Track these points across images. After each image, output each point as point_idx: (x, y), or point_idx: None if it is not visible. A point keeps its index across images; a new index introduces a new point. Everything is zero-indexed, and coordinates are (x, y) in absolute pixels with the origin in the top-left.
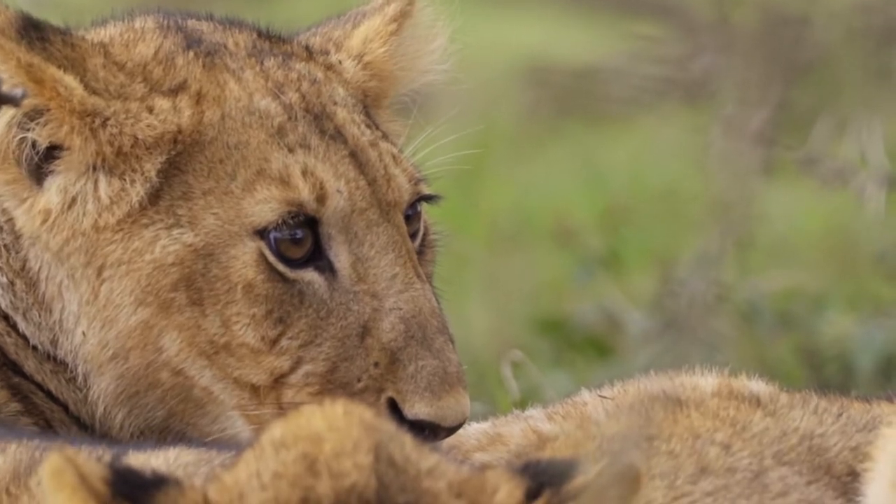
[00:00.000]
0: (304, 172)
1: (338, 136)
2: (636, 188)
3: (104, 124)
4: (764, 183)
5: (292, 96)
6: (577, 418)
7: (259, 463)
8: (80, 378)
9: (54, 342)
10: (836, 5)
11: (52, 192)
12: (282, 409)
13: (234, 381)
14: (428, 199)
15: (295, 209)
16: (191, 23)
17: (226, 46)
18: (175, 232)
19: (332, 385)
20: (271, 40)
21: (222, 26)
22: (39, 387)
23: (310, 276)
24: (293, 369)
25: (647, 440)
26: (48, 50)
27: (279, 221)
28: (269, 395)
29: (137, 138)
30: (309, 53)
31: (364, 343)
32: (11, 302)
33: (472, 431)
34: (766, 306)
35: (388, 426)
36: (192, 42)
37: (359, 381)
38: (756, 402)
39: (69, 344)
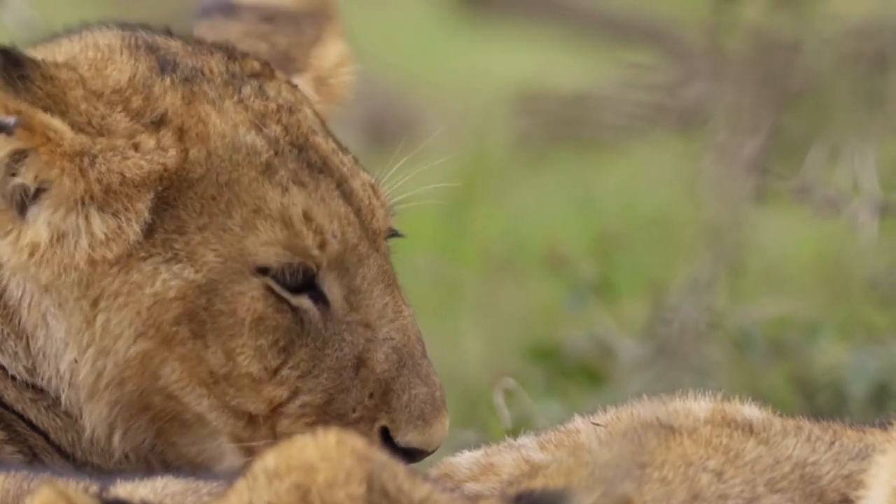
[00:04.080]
0: (306, 217)
1: (325, 168)
2: (628, 215)
3: (92, 163)
4: (756, 210)
5: (275, 129)
6: (570, 446)
7: (252, 493)
8: (64, 404)
9: (32, 371)
10: (828, 32)
11: (40, 225)
12: (275, 439)
13: (231, 409)
14: (395, 234)
15: (300, 258)
16: (160, 41)
17: (202, 72)
18: (175, 267)
19: (327, 416)
20: (234, 58)
21: (193, 47)
22: (20, 416)
23: (306, 303)
24: (290, 399)
25: (640, 467)
26: (31, 90)
27: (284, 264)
28: (265, 423)
29: (125, 176)
30: (272, 71)
31: (359, 374)
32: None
33: (464, 461)
34: (759, 333)
35: (381, 456)
36: (165, 66)
37: (354, 411)
38: (749, 429)
39: (52, 372)
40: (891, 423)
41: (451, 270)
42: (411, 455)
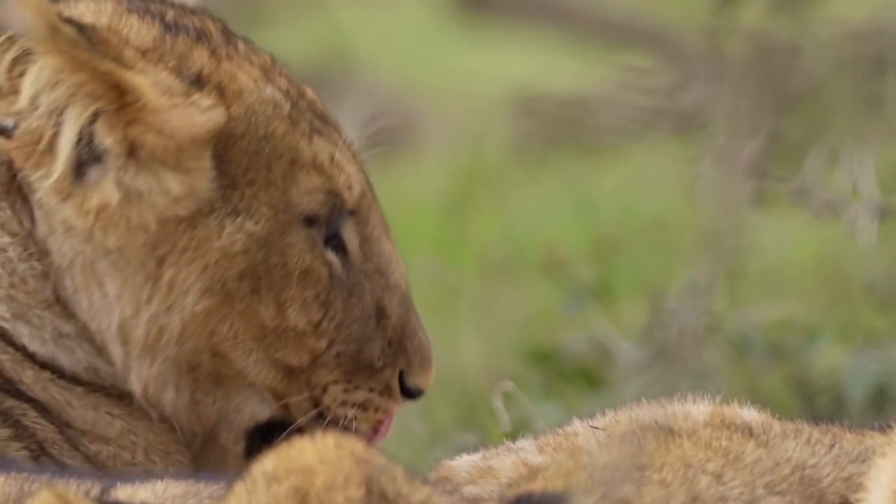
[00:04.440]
0: (332, 161)
1: (326, 116)
2: (626, 219)
3: (167, 121)
4: (755, 213)
5: (281, 81)
6: (568, 449)
7: (251, 497)
8: (101, 372)
9: (61, 339)
10: (827, 35)
11: (108, 187)
12: (310, 390)
13: (274, 363)
14: None
15: (336, 199)
16: (150, 3)
17: (205, 32)
18: (237, 220)
19: (359, 365)
20: (212, 18)
21: (175, 9)
22: (33, 402)
23: (331, 256)
24: (327, 350)
25: (639, 470)
26: (105, 51)
27: (325, 213)
28: (302, 375)
29: (192, 133)
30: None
31: (380, 323)
32: (12, 310)
33: (463, 464)
34: (758, 337)
35: (380, 459)
36: (172, 27)
37: (378, 359)
38: (749, 432)
39: (102, 331)
40: (890, 427)
41: (449, 273)
42: (413, 396)
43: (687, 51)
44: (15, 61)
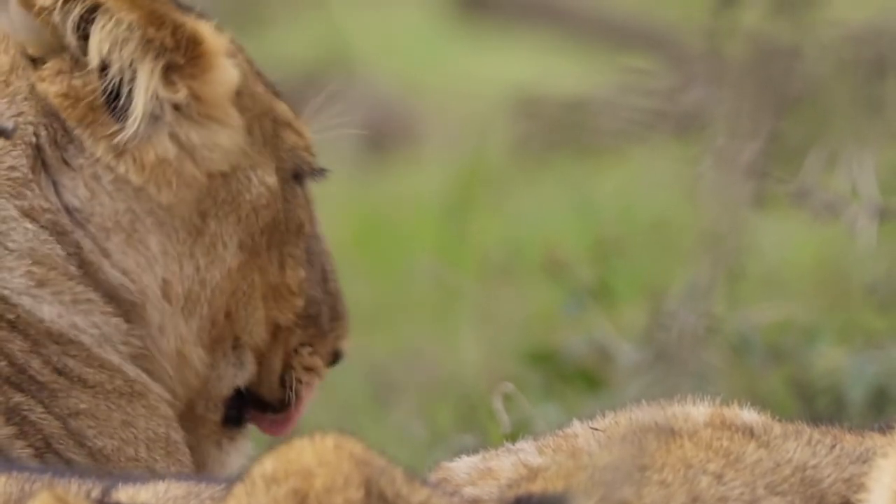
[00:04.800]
0: (299, 121)
1: (271, 83)
2: (627, 220)
3: (219, 75)
4: (755, 215)
5: (239, 50)
6: (568, 451)
7: (250, 498)
8: (141, 328)
9: (87, 305)
10: (827, 37)
11: (165, 142)
12: (287, 353)
13: (268, 322)
14: None
15: (310, 157)
16: None
17: (190, 8)
18: (258, 173)
19: (317, 328)
20: None
21: None
22: (42, 388)
23: (312, 214)
24: (303, 310)
25: (640, 470)
26: (174, 5)
27: (307, 166)
28: (282, 337)
29: (231, 87)
30: None
31: (326, 287)
32: (35, 286)
33: (462, 466)
34: (757, 338)
35: (379, 461)
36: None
37: (327, 324)
38: (750, 432)
39: (139, 290)
40: (891, 427)
41: (449, 274)
42: (337, 359)
43: (687, 52)
44: (82, 18)
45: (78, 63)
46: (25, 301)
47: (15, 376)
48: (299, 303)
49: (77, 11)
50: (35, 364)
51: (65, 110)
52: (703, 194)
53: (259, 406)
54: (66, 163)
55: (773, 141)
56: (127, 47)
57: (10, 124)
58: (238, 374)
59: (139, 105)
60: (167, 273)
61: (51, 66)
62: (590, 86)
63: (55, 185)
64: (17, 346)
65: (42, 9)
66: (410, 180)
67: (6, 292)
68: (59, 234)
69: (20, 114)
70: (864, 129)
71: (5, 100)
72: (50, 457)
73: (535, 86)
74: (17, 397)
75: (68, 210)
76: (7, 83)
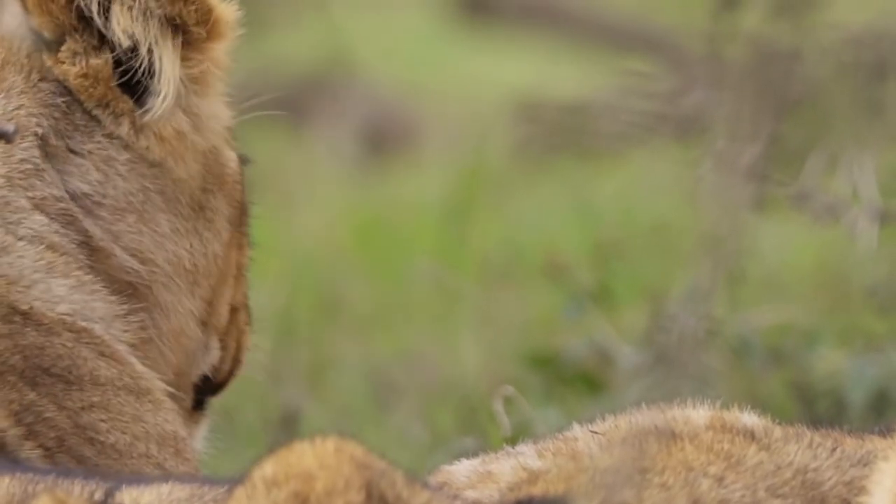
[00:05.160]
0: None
1: None
2: (627, 223)
3: (223, 49)
4: (755, 218)
5: None
6: (568, 454)
7: (250, 502)
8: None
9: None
10: (827, 40)
11: (179, 115)
12: (240, 334)
13: (231, 302)
14: None
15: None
16: None
17: None
18: (229, 149)
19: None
20: None
21: None
22: (56, 381)
23: None
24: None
25: (640, 473)
26: None
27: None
28: (234, 317)
29: (227, 61)
30: None
31: None
32: (48, 277)
33: (462, 469)
34: (758, 341)
35: (380, 464)
36: None
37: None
38: (751, 435)
39: (149, 269)
40: (891, 430)
41: (449, 277)
42: None
43: (687, 56)
44: None
45: (93, 43)
46: (38, 292)
47: (29, 370)
48: (247, 282)
49: None
50: (49, 355)
51: (84, 91)
52: (703, 197)
53: (216, 389)
54: (72, 151)
55: (774, 144)
56: (151, 24)
57: (10, 127)
58: (207, 357)
59: (168, 82)
60: (178, 249)
61: (67, 47)
62: (590, 89)
63: (61, 173)
64: (30, 338)
65: None
66: (411, 183)
67: (20, 283)
68: (69, 223)
69: (20, 107)
70: (864, 131)
71: (0, 95)
72: (61, 456)
73: (535, 89)
74: (31, 395)
75: (75, 197)
76: (1, 79)
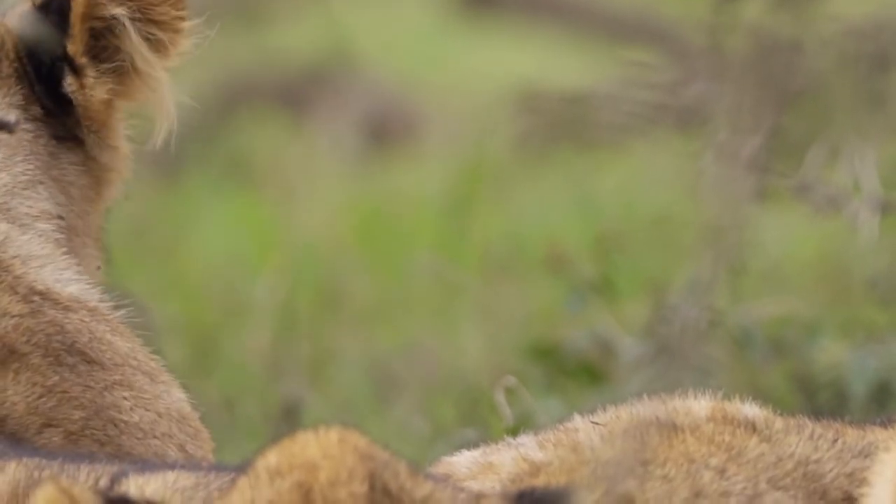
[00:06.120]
0: None
1: None
2: (628, 215)
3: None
4: (757, 209)
5: None
6: (569, 445)
7: (254, 491)
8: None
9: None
10: (829, 32)
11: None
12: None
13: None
14: None
15: None
16: None
17: None
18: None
19: None
20: None
21: None
22: (82, 360)
23: None
24: None
25: (642, 465)
26: None
27: None
28: None
29: None
30: None
31: None
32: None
33: (463, 460)
34: (759, 333)
35: (383, 454)
36: None
37: None
38: (752, 427)
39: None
40: (892, 421)
41: (451, 270)
42: None
43: (689, 47)
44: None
45: (106, 68)
46: (50, 271)
47: (52, 349)
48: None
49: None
50: (69, 331)
51: (101, 113)
52: (704, 189)
53: None
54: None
55: (775, 135)
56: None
57: (12, 117)
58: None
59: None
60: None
61: (91, 72)
62: (591, 80)
63: (62, 169)
64: (50, 315)
65: (111, 17)
66: (412, 176)
67: (31, 264)
68: (76, 208)
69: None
70: (865, 123)
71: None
72: (84, 441)
73: (536, 81)
74: (55, 377)
75: (77, 189)
76: None
